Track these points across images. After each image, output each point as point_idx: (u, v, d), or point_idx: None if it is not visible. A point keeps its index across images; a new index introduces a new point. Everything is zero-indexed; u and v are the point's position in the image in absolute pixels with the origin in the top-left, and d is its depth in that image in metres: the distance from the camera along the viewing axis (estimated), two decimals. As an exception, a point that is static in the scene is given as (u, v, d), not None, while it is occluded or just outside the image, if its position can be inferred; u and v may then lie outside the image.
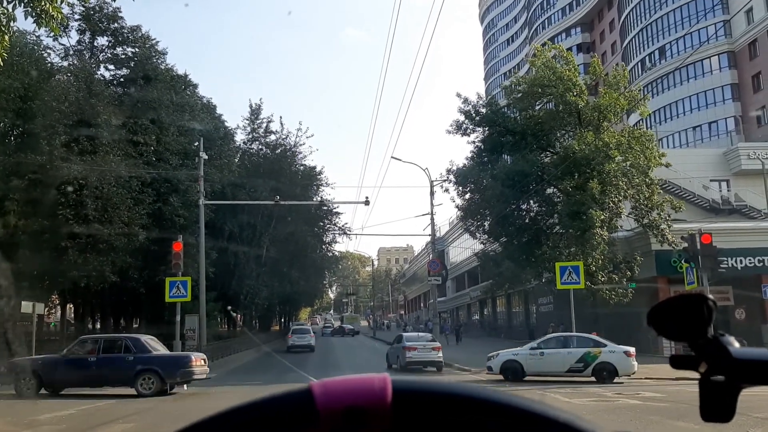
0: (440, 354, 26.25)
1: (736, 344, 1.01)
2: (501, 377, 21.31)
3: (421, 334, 32.72)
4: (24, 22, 33.40)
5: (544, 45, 35.98)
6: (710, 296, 1.06)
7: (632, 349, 20.51)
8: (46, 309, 37.87)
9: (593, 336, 21.99)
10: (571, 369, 20.65)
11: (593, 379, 20.21)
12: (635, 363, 20.24)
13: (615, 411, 13.05)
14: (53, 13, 11.16)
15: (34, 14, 11.16)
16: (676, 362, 1.08)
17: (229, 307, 40.57)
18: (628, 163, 29.34)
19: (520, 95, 33.26)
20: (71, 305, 42.58)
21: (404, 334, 32.00)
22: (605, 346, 20.67)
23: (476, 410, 0.76)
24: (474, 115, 33.77)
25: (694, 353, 1.04)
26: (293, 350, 41.67)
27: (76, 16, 33.87)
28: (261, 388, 18.27)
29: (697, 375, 1.04)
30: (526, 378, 20.96)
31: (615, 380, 20.02)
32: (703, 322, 1.04)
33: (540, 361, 21.12)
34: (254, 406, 0.77)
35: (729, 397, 1.00)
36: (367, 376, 0.78)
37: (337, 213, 54.64)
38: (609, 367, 20.21)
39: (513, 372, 21.10)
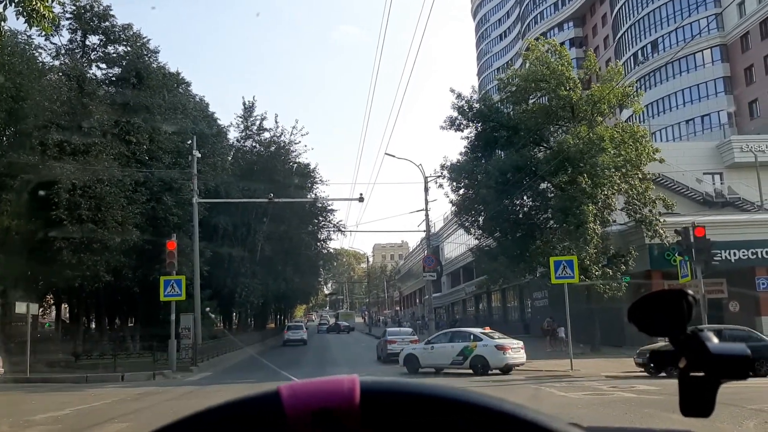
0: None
1: (715, 339, 1.01)
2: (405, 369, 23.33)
3: (402, 329, 35.29)
4: (15, 22, 33.31)
5: (537, 39, 35.97)
6: (690, 291, 1.06)
7: (507, 343, 22.27)
8: (41, 309, 37.81)
9: (475, 330, 24.03)
10: (453, 362, 22.51)
11: (471, 371, 21.65)
12: (508, 356, 21.75)
13: (609, 404, 13.10)
14: (44, 12, 11.10)
15: (24, 13, 11.10)
16: (656, 358, 1.08)
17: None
18: (622, 158, 29.36)
19: (514, 89, 33.21)
20: (66, 305, 42.48)
21: (387, 329, 33.61)
22: (481, 340, 22.38)
23: (445, 409, 0.75)
24: (467, 110, 33.68)
25: (674, 348, 1.04)
26: (288, 344, 46.77)
27: (67, 15, 33.77)
28: (254, 386, 18.29)
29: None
30: (421, 369, 23.08)
31: (489, 372, 21.45)
32: (682, 318, 1.04)
33: (431, 354, 23.13)
34: (225, 408, 0.77)
35: (708, 392, 1.00)
36: (337, 377, 0.78)
37: (332, 210, 54.50)
38: (482, 360, 21.87)
39: (411, 363, 23.32)
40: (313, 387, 0.76)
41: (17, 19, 11.29)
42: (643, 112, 41.68)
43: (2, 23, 11.99)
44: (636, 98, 33.49)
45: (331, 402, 0.74)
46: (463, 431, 0.75)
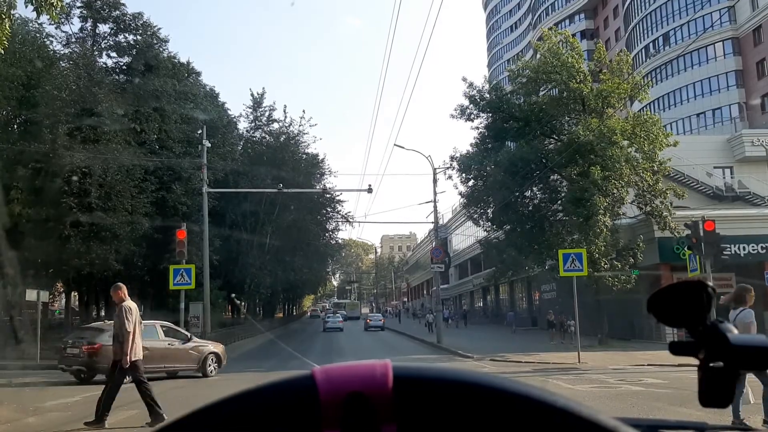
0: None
1: (735, 331, 1.02)
2: None
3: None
4: (27, 10, 33.31)
5: (550, 29, 35.74)
6: (710, 283, 1.07)
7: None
8: (51, 296, 38.06)
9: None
10: None
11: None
12: None
13: (618, 397, 13.09)
14: (53, 1, 11.13)
15: (34, 2, 11.14)
16: (676, 349, 1.10)
17: (233, 295, 40.66)
18: (633, 149, 29.19)
19: (524, 80, 32.99)
20: (76, 293, 42.72)
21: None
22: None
23: (476, 396, 0.76)
24: (479, 100, 33.45)
25: (694, 340, 1.05)
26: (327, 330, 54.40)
27: (78, 3, 33.84)
28: (266, 374, 18.37)
29: (696, 361, 1.05)
30: None
31: None
32: (702, 309, 1.05)
33: None
34: (257, 392, 0.78)
35: (727, 383, 1.02)
36: (369, 362, 0.78)
37: (340, 201, 54.58)
38: None
39: None
40: (346, 371, 0.78)
41: (26, 7, 11.33)
42: (653, 104, 41.40)
43: (11, 11, 12.04)
44: (644, 88, 33.19)
45: (365, 386, 0.75)
46: (500, 422, 0.75)
